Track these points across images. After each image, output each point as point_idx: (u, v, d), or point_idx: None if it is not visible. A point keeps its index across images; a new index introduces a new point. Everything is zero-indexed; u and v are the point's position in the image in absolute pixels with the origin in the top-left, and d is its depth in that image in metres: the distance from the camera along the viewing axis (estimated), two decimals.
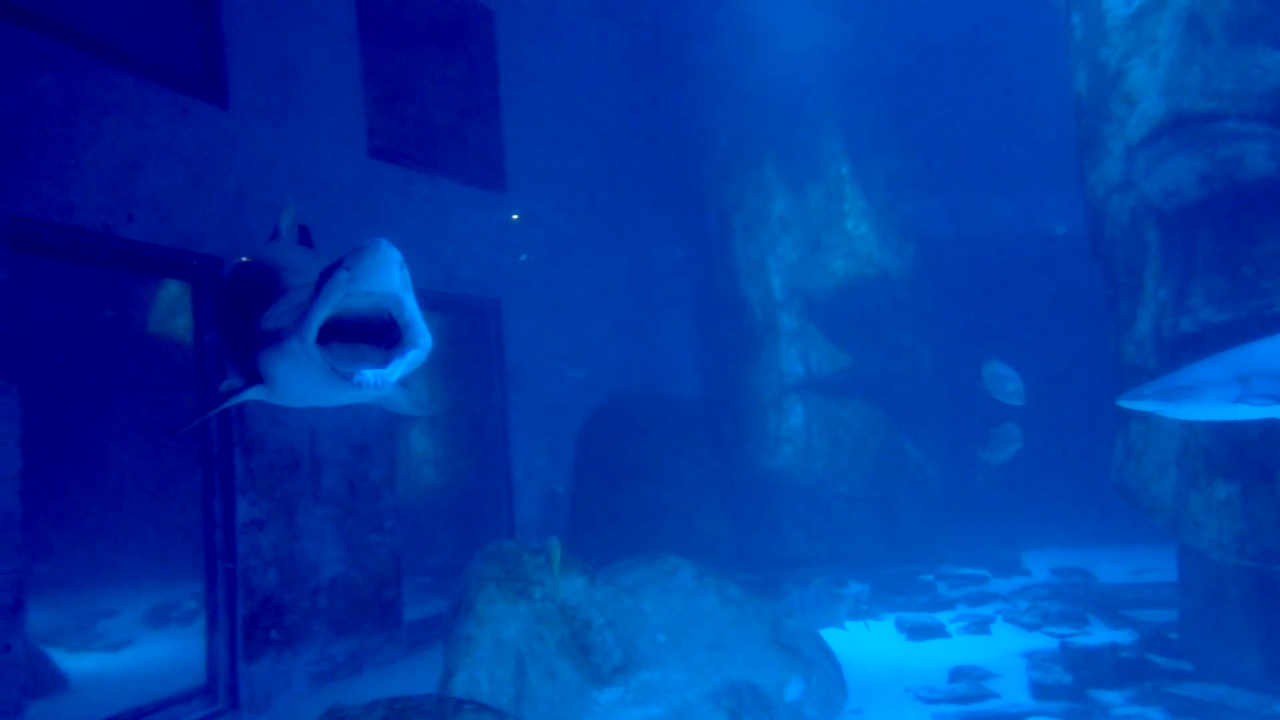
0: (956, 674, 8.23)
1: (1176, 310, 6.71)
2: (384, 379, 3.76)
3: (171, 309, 13.08)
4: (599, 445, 12.33)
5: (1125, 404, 5.39)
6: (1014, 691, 7.80)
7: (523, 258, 11.65)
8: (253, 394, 4.46)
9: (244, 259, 5.76)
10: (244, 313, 4.62)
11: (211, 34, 7.90)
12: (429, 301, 4.03)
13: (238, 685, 7.70)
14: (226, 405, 4.56)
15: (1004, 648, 9.16)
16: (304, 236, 6.27)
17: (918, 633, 9.81)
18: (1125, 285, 7.60)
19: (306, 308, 3.80)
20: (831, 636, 8.45)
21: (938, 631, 9.81)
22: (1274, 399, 4.69)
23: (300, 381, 4.06)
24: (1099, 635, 9.19)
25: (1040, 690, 7.64)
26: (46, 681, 8.48)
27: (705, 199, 14.25)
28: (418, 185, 10.11)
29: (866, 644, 9.62)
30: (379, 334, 3.87)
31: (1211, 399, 4.94)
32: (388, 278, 3.64)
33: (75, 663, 9.56)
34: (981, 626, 9.92)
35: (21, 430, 6.02)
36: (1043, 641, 9.24)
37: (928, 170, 14.14)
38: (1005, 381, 8.27)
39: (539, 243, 12.06)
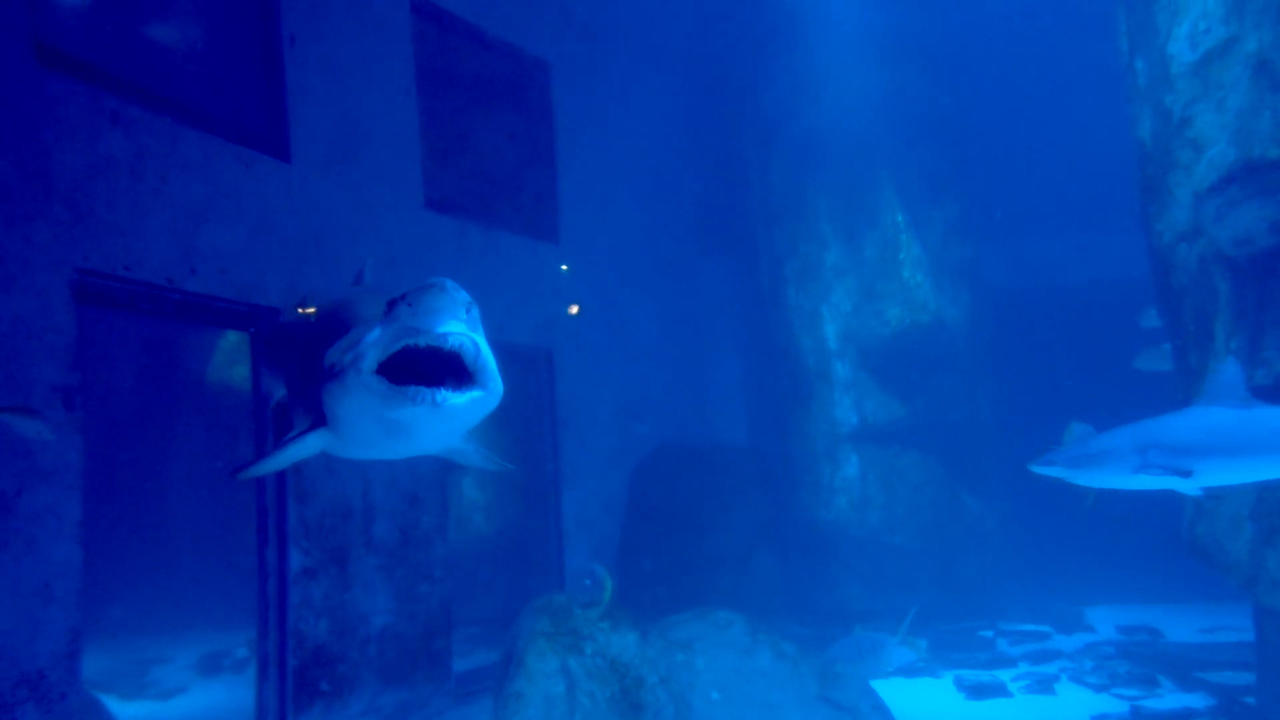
0: None
1: (1250, 362, 6.49)
2: (444, 401, 3.52)
3: (230, 357, 13.29)
4: (650, 494, 12.22)
5: (1036, 469, 5.73)
6: None
7: (573, 309, 11.68)
8: (315, 439, 4.19)
9: (302, 306, 5.62)
10: (312, 355, 4.34)
11: (274, 88, 8.07)
12: None
13: None
14: (288, 448, 4.25)
15: (1070, 710, 8.83)
16: None
17: (978, 692, 9.51)
18: (1194, 335, 7.38)
19: (364, 340, 3.67)
20: (888, 693, 8.20)
21: (999, 690, 9.49)
22: (1168, 470, 5.22)
23: (362, 419, 3.81)
24: (1170, 699, 8.82)
25: None
26: None
27: (758, 246, 14.21)
28: (473, 237, 10.20)
29: (924, 702, 9.33)
30: (449, 379, 3.68)
31: (1113, 469, 5.44)
32: (451, 319, 3.50)
33: (128, 710, 9.60)
34: (1045, 686, 9.59)
35: (83, 477, 6.10)
36: (1111, 704, 8.88)
37: (985, 217, 13.97)
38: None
39: (591, 292, 12.08)
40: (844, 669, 7.51)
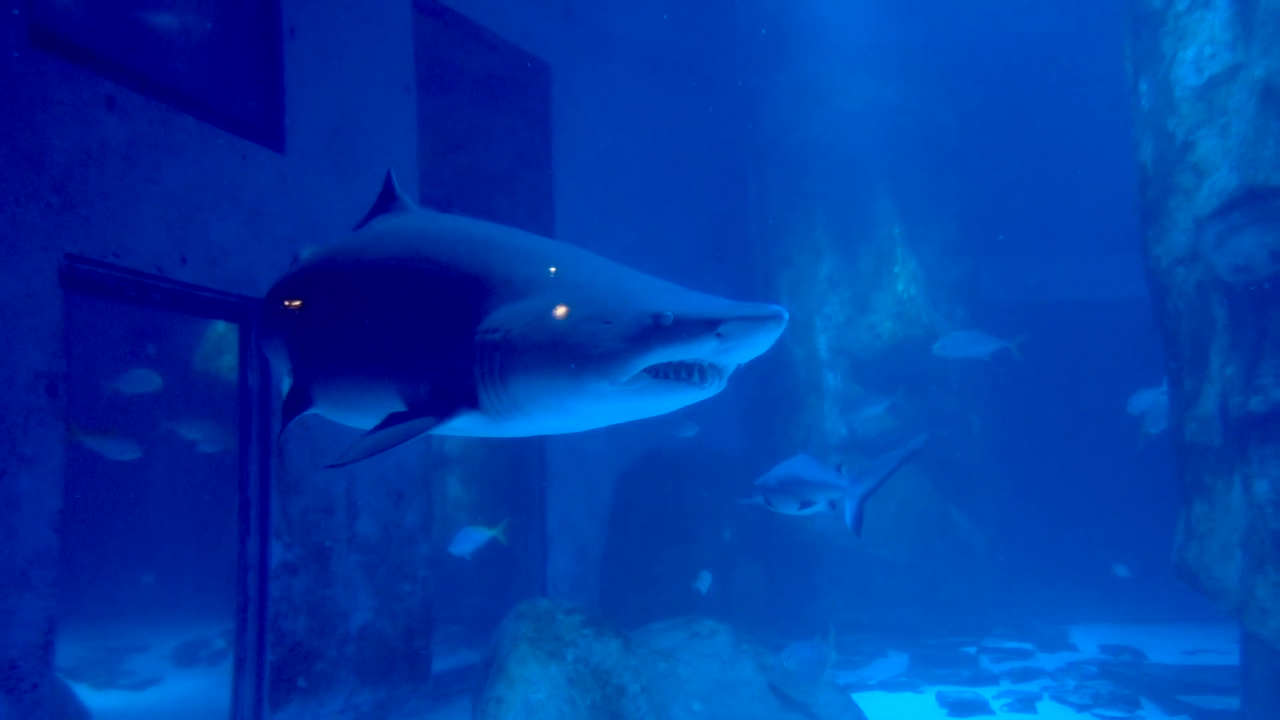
0: None
1: (1245, 389, 6.47)
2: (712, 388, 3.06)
3: (216, 347, 13.17)
4: (636, 499, 12.16)
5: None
6: None
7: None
8: (459, 425, 3.28)
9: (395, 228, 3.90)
10: (429, 308, 3.34)
11: (273, 80, 7.99)
12: None
13: None
14: (433, 430, 3.30)
15: None
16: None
17: (960, 709, 9.46)
18: (1190, 360, 7.36)
19: (618, 347, 2.88)
20: (870, 707, 8.16)
21: (981, 708, 9.45)
22: (773, 501, 6.57)
23: (583, 408, 3.11)
24: None
25: None
26: (70, 719, 8.39)
27: (752, 255, 14.18)
28: None
29: (906, 717, 9.30)
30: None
31: (755, 496, 6.84)
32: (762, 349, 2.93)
33: (101, 700, 9.49)
34: (1027, 705, 9.55)
35: (64, 464, 6.01)
36: None
37: (982, 233, 13.96)
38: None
39: None
40: (791, 667, 7.65)
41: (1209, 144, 6.79)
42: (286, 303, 4.21)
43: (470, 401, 3.17)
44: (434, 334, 3.28)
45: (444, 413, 3.20)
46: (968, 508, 13.22)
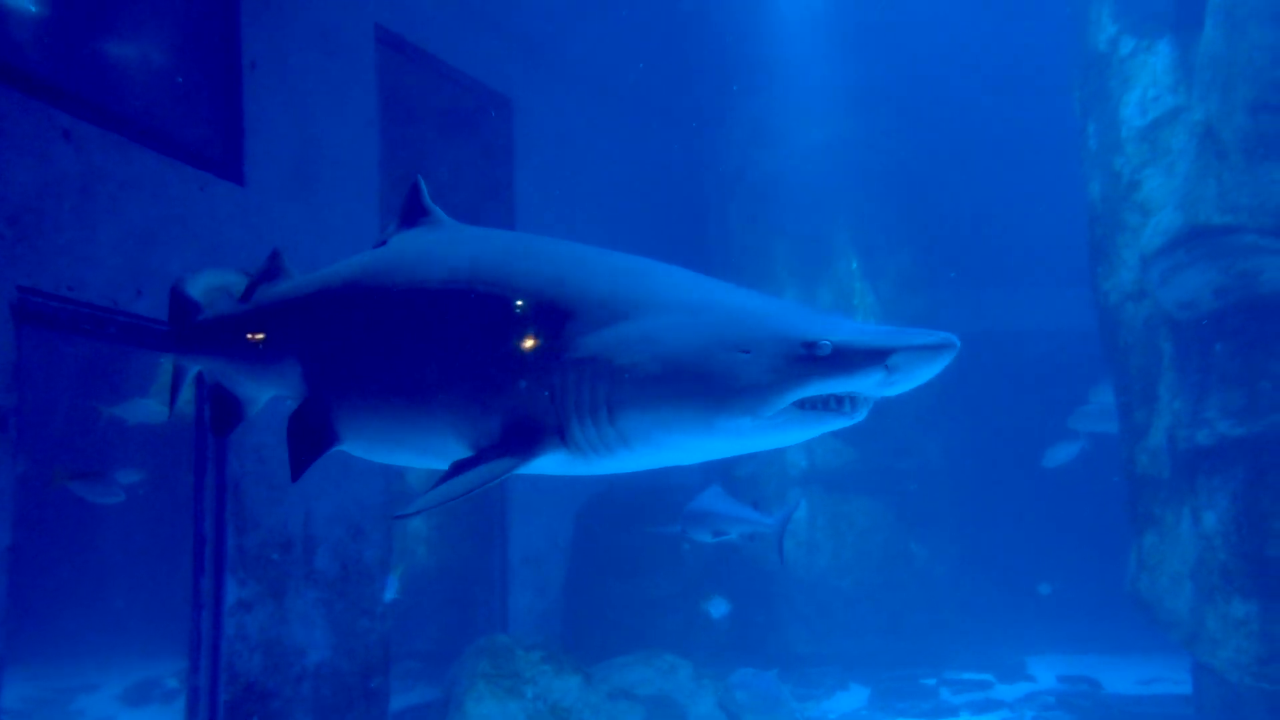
0: None
1: (1192, 422, 6.62)
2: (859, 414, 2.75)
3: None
4: (598, 531, 12.11)
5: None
6: None
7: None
8: (542, 464, 2.93)
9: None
10: (499, 332, 2.97)
11: (233, 112, 7.96)
12: None
13: None
14: (516, 471, 2.90)
15: None
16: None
17: None
18: (1139, 393, 7.52)
19: (766, 380, 2.55)
20: None
21: None
22: (688, 530, 7.15)
23: (712, 447, 2.82)
24: None
25: None
26: None
27: None
28: None
29: None
30: None
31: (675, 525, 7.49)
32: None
33: None
34: None
35: (14, 499, 5.89)
36: None
37: (940, 266, 14.19)
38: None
39: None
40: (743, 696, 7.79)
41: (1154, 183, 6.99)
42: (293, 322, 3.83)
43: (559, 437, 2.81)
44: (506, 362, 2.93)
45: (527, 450, 2.83)
46: (927, 539, 13.32)
